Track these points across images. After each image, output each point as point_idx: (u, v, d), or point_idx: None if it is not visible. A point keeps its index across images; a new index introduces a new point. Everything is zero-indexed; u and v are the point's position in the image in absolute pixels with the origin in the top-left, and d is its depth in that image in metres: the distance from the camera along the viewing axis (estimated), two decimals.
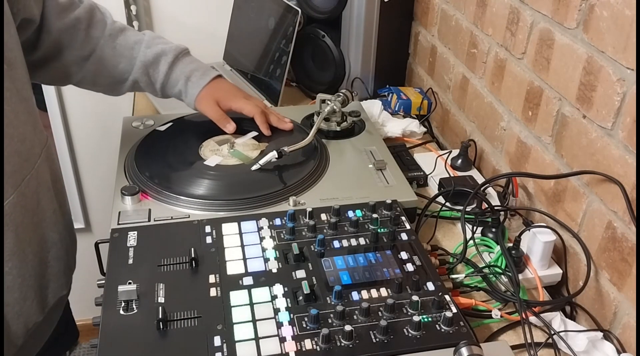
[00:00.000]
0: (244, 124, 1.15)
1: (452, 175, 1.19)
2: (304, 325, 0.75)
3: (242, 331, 0.73)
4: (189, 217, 0.94)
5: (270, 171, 1.04)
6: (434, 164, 1.22)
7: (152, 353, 0.71)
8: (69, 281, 1.06)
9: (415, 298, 0.77)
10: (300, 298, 0.79)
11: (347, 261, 0.86)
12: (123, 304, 0.77)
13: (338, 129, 1.19)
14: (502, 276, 0.94)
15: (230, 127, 1.12)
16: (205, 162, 1.06)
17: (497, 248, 0.97)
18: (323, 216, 0.94)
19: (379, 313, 0.77)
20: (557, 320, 0.87)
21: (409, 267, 0.85)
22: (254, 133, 1.15)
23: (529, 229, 0.96)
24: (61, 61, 1.04)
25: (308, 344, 0.72)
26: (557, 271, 0.97)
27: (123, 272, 0.82)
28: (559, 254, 1.00)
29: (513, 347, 0.79)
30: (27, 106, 0.89)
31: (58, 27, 1.01)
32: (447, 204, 1.09)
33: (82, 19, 1.04)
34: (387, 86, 1.55)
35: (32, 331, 0.95)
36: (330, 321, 0.75)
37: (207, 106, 1.12)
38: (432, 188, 1.20)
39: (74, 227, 1.10)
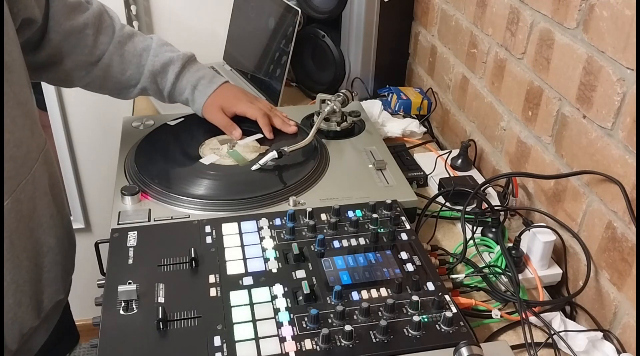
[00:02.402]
0: (249, 126, 1.15)
1: (452, 175, 1.19)
2: (304, 325, 0.75)
3: (242, 331, 0.73)
4: (189, 217, 0.94)
5: (270, 171, 1.04)
6: (434, 164, 1.22)
7: (152, 353, 0.71)
8: (66, 285, 1.05)
9: (415, 298, 0.77)
10: (300, 298, 0.79)
11: (347, 261, 0.86)
12: (123, 304, 0.77)
13: (338, 129, 1.19)
14: (502, 276, 0.94)
15: (237, 133, 1.13)
16: (200, 160, 1.06)
17: (497, 248, 0.97)
18: (323, 216, 0.94)
19: (379, 313, 0.77)
20: (557, 320, 0.87)
21: (409, 267, 0.85)
22: (259, 135, 1.15)
23: (529, 229, 0.96)
24: (67, 64, 1.04)
25: (308, 344, 0.72)
26: (557, 271, 0.97)
27: (123, 272, 0.82)
28: (559, 254, 1.00)
29: (513, 347, 0.79)
30: (25, 109, 0.88)
31: (64, 29, 1.01)
32: (447, 204, 1.09)
33: (90, 24, 1.04)
34: (387, 86, 1.55)
35: (28, 336, 0.94)
36: (330, 321, 0.75)
37: (213, 113, 1.14)
38: (432, 188, 1.20)
39: (74, 227, 1.10)
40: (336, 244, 0.89)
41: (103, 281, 0.82)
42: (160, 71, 1.11)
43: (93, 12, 1.05)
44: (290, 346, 0.72)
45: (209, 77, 1.14)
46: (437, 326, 0.75)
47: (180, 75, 1.12)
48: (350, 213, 0.95)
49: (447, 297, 0.79)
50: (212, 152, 1.09)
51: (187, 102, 1.15)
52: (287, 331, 0.74)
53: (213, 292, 0.79)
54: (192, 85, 1.13)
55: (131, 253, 0.86)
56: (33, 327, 0.95)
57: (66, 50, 1.03)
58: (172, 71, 1.11)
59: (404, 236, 0.91)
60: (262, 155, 1.06)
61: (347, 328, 0.72)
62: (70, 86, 1.11)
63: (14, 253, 0.87)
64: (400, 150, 1.28)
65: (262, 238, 0.90)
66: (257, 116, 1.14)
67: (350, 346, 0.72)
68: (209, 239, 0.89)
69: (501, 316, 0.88)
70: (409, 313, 0.77)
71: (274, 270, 0.84)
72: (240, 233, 0.91)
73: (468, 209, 1.05)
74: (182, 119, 1.20)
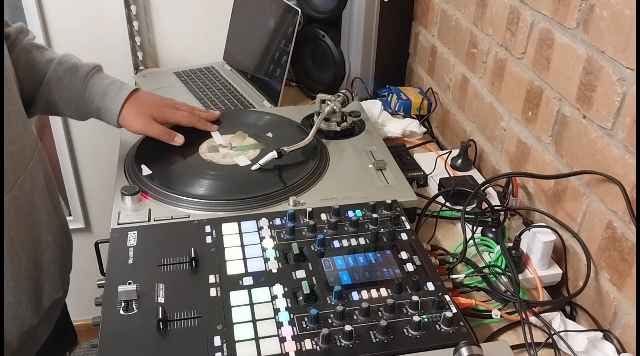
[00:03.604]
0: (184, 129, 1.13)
1: (452, 175, 1.19)
2: (304, 325, 0.75)
3: (242, 331, 0.73)
4: (189, 217, 0.94)
5: (270, 171, 1.04)
6: (434, 164, 1.22)
7: (152, 353, 0.71)
8: (65, 282, 1.05)
9: (415, 298, 0.77)
10: (300, 298, 0.79)
11: (347, 261, 0.86)
12: (123, 304, 0.77)
13: (338, 129, 1.19)
14: (502, 276, 0.94)
15: (179, 139, 1.08)
16: (240, 165, 1.06)
17: (497, 248, 0.97)
18: (323, 216, 0.94)
19: (379, 313, 0.77)
20: (557, 320, 0.87)
21: (409, 267, 0.85)
22: (216, 131, 1.15)
23: (529, 229, 0.96)
24: None
25: (308, 344, 0.72)
26: (557, 271, 0.97)
27: (123, 272, 0.82)
28: (559, 254, 1.00)
29: (513, 347, 0.79)
30: (18, 105, 0.89)
31: None
32: (447, 204, 1.09)
33: (10, 35, 1.00)
34: (387, 86, 1.55)
35: (28, 334, 0.94)
36: (330, 321, 0.75)
37: (143, 124, 1.05)
38: (432, 188, 1.20)
39: (74, 227, 1.10)
40: (336, 244, 0.89)
41: (103, 281, 0.82)
42: (62, 77, 1.02)
43: (13, 29, 1.01)
44: (290, 346, 0.72)
45: (118, 83, 1.06)
46: (437, 326, 0.75)
47: (87, 82, 1.03)
48: (350, 213, 0.95)
49: (447, 297, 0.79)
50: (229, 157, 1.08)
51: (99, 112, 1.05)
52: (287, 331, 0.74)
53: (213, 292, 0.79)
54: (101, 91, 1.03)
55: (131, 253, 0.86)
56: (33, 325, 0.95)
57: None
58: (76, 79, 1.03)
59: (404, 236, 0.91)
60: (260, 154, 1.06)
61: (347, 328, 0.72)
62: None
63: (13, 249, 0.87)
64: (400, 150, 1.28)
65: (262, 238, 0.90)
66: (192, 123, 1.11)
67: (350, 346, 0.72)
68: (209, 239, 0.89)
69: (501, 316, 0.88)
70: (409, 313, 0.77)
71: (274, 270, 0.84)
72: (240, 233, 0.91)
73: (468, 209, 1.05)
74: None
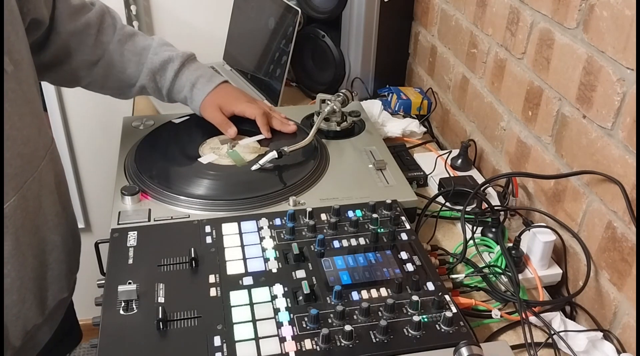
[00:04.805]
0: (250, 127, 1.14)
1: (452, 175, 1.19)
2: (304, 325, 0.75)
3: (242, 331, 0.73)
4: (189, 217, 0.94)
5: (270, 171, 1.04)
6: (434, 164, 1.22)
7: (152, 353, 0.71)
8: (70, 283, 1.05)
9: (415, 298, 0.77)
10: (300, 298, 0.79)
11: (347, 261, 0.86)
12: (123, 304, 0.77)
13: (338, 129, 1.19)
14: (502, 276, 0.94)
15: (232, 131, 1.13)
16: (199, 159, 1.06)
17: (497, 248, 0.97)
18: (323, 216, 0.94)
19: (379, 313, 0.77)
20: (557, 320, 0.87)
21: (409, 267, 0.85)
22: (260, 136, 1.14)
23: (529, 229, 0.96)
24: (70, 64, 1.05)
25: (308, 344, 0.72)
26: (557, 271, 0.97)
27: (123, 272, 0.82)
28: (559, 254, 1.00)
29: (513, 347, 0.79)
30: (33, 107, 0.89)
31: (68, 30, 1.02)
32: (447, 204, 1.09)
33: (92, 23, 1.05)
34: (387, 86, 1.55)
35: (31, 333, 0.95)
36: (330, 321, 0.75)
37: (210, 112, 1.14)
38: (432, 188, 1.20)
39: (79, 230, 1.10)
40: (336, 244, 0.89)
41: (103, 281, 0.82)
42: (159, 68, 1.11)
43: (96, 12, 1.06)
44: (290, 346, 0.72)
45: (207, 75, 1.14)
46: (437, 326, 0.75)
47: (179, 73, 1.12)
48: (350, 213, 0.95)
49: (447, 297, 0.79)
50: (212, 152, 1.09)
51: (186, 100, 1.15)
52: (287, 331, 0.74)
53: (213, 292, 0.79)
54: (190, 83, 1.12)
55: (131, 253, 0.86)
56: (37, 324, 0.95)
57: (69, 51, 1.04)
58: (170, 68, 1.11)
59: (404, 236, 0.91)
60: (261, 156, 1.06)
61: (347, 328, 0.72)
62: (73, 86, 1.12)
63: (19, 249, 0.87)
64: (400, 150, 1.28)
65: (262, 238, 0.90)
66: (255, 116, 1.14)
67: (350, 346, 0.72)
68: (209, 239, 0.89)
69: (501, 316, 0.88)
70: (409, 313, 0.77)
71: (274, 270, 0.84)
72: (240, 233, 0.91)
73: (468, 209, 1.05)
74: (188, 117, 1.20)
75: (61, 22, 1.01)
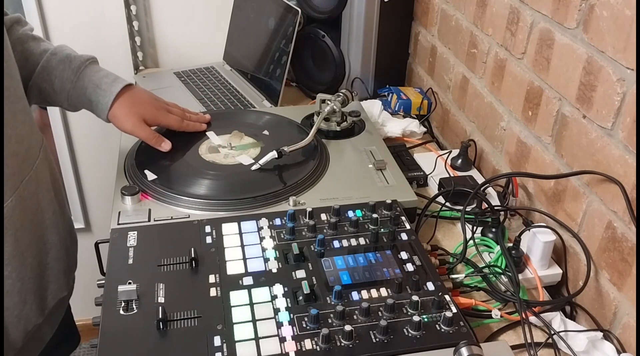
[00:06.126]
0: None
1: (452, 175, 1.19)
2: (304, 325, 0.75)
3: (242, 331, 0.74)
4: (189, 217, 0.94)
5: (270, 171, 1.04)
6: (434, 164, 1.22)
7: (152, 353, 0.71)
8: (69, 281, 1.05)
9: (415, 298, 0.77)
10: (300, 298, 0.79)
11: (347, 261, 0.86)
12: (123, 304, 0.77)
13: (338, 129, 1.19)
14: (502, 276, 0.94)
15: (167, 146, 1.07)
16: (244, 164, 1.06)
17: (497, 248, 0.97)
18: (323, 216, 0.94)
19: (379, 313, 0.77)
20: (557, 320, 0.87)
21: (409, 267, 0.85)
22: (211, 132, 1.15)
23: (529, 229, 0.96)
24: None
25: (308, 344, 0.72)
26: (557, 271, 0.97)
27: (123, 272, 0.82)
28: (559, 254, 1.00)
29: (513, 347, 0.79)
30: (24, 104, 0.88)
31: None
32: (447, 204, 1.09)
33: (6, 25, 0.98)
34: (387, 86, 1.55)
35: (32, 334, 0.95)
36: (330, 321, 0.75)
37: (132, 125, 1.03)
38: (432, 188, 1.20)
39: (74, 227, 1.10)
40: (336, 244, 0.89)
41: (103, 281, 0.82)
42: (55, 67, 1.00)
43: (9, 17, 1.01)
44: (290, 346, 0.72)
45: (112, 76, 1.04)
46: (437, 326, 0.75)
47: (80, 73, 1.01)
48: (350, 213, 0.95)
49: (447, 297, 0.79)
50: (231, 156, 1.08)
51: (90, 105, 1.03)
52: (287, 331, 0.74)
53: (213, 292, 0.79)
54: (93, 84, 1.01)
55: (131, 253, 0.86)
56: (37, 324, 0.95)
57: None
58: (69, 68, 1.01)
59: (404, 236, 0.91)
60: (262, 152, 1.06)
61: (347, 328, 0.72)
62: None
63: (19, 250, 0.87)
64: (400, 150, 1.28)
65: (262, 238, 0.90)
66: (182, 127, 1.11)
67: (350, 346, 0.72)
68: (209, 239, 0.89)
69: (501, 316, 0.88)
70: (409, 313, 0.77)
71: (274, 270, 0.84)
72: (240, 233, 0.91)
73: (468, 209, 1.05)
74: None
75: None
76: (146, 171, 1.03)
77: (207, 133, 1.15)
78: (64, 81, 1.01)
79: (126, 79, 1.05)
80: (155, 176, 1.02)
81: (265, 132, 1.15)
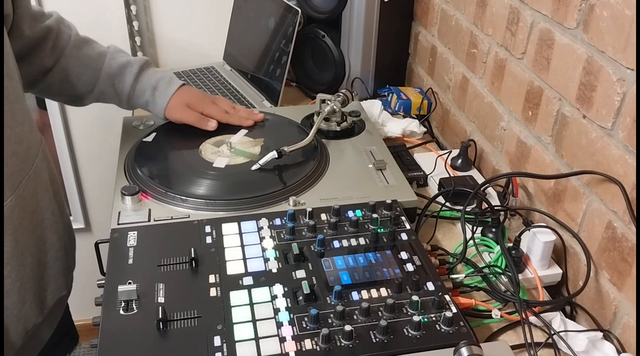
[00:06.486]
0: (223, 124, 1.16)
1: (452, 175, 1.19)
2: (304, 325, 0.75)
3: (242, 331, 0.73)
4: (189, 217, 0.94)
5: (270, 171, 1.04)
6: (434, 164, 1.22)
7: (152, 353, 0.71)
8: (68, 281, 1.05)
9: (415, 298, 0.77)
10: (300, 298, 0.79)
11: (347, 261, 0.86)
12: (123, 304, 0.77)
13: (338, 129, 1.19)
14: (502, 276, 0.94)
15: (213, 124, 1.14)
16: (214, 165, 1.05)
17: (497, 248, 0.97)
18: (323, 216, 0.94)
19: (379, 313, 0.77)
20: (557, 320, 0.87)
21: (409, 267, 0.85)
22: (245, 130, 1.16)
23: (529, 229, 0.96)
24: (24, 68, 0.99)
25: (308, 344, 0.72)
26: (557, 271, 0.97)
27: (123, 272, 0.82)
28: (559, 254, 1.00)
29: (513, 347, 0.79)
30: (23, 105, 0.88)
31: (29, 35, 1.00)
32: (447, 204, 1.09)
33: (52, 29, 1.04)
34: (387, 86, 1.55)
35: (32, 333, 0.95)
36: (330, 321, 0.75)
37: (180, 112, 1.14)
38: (432, 188, 1.20)
39: (74, 227, 1.10)
40: (336, 244, 0.89)
41: (103, 281, 0.81)
42: (117, 73, 1.10)
43: (54, 19, 1.06)
44: (290, 346, 0.72)
45: (167, 78, 1.14)
46: (437, 326, 0.75)
47: (139, 76, 1.12)
48: (350, 213, 0.95)
49: (447, 297, 0.79)
50: (218, 155, 1.08)
51: (147, 104, 1.14)
52: (287, 331, 0.74)
53: (213, 292, 0.79)
54: (151, 86, 1.12)
55: (131, 253, 0.86)
56: (37, 324, 0.95)
57: (25, 55, 1.02)
58: (129, 72, 1.11)
59: (404, 236, 0.91)
60: (264, 148, 1.06)
61: (347, 328, 0.72)
62: (26, 91, 1.06)
63: (18, 250, 0.87)
64: (400, 150, 1.28)
65: (262, 238, 0.90)
66: (226, 120, 1.16)
67: (350, 346, 0.72)
68: (209, 239, 0.89)
69: (501, 316, 0.88)
70: (409, 313, 0.77)
71: (274, 270, 0.84)
72: (240, 233, 0.91)
73: (468, 209, 1.05)
74: (155, 133, 1.16)
75: (22, 26, 0.98)
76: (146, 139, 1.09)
77: (241, 130, 1.16)
78: (125, 84, 1.11)
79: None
80: (155, 134, 1.12)
81: (285, 148, 1.06)
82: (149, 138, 1.14)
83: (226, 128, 1.16)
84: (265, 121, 1.20)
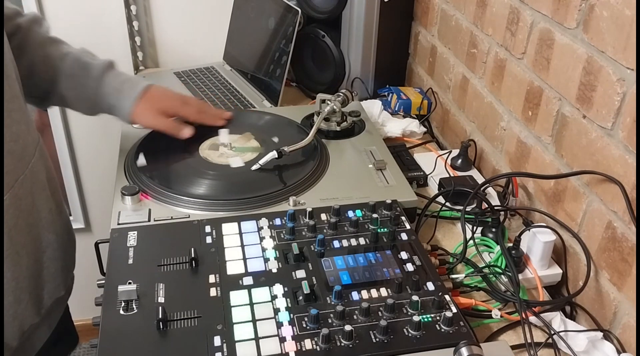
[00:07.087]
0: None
1: (452, 175, 1.19)
2: (304, 325, 0.75)
3: (242, 331, 0.74)
4: (189, 217, 0.94)
5: (270, 171, 1.04)
6: (434, 164, 1.22)
7: (152, 353, 0.71)
8: (67, 281, 1.05)
9: (415, 298, 0.77)
10: (300, 298, 0.79)
11: (347, 261, 0.86)
12: (123, 304, 0.77)
13: (338, 129, 1.19)
14: (502, 276, 0.94)
15: (188, 131, 1.09)
16: (232, 166, 1.05)
17: (497, 248, 0.97)
18: (323, 216, 0.94)
19: (379, 313, 0.77)
20: (557, 320, 0.87)
21: (409, 267, 0.85)
22: (225, 130, 1.15)
23: (529, 229, 0.96)
24: None
25: (308, 344, 0.72)
26: (557, 271, 0.97)
27: (123, 272, 0.82)
28: (559, 254, 1.00)
29: (513, 347, 0.79)
30: (20, 103, 0.88)
31: None
32: (447, 204, 1.09)
33: (21, 27, 1.00)
34: (387, 86, 1.55)
35: (29, 333, 0.94)
36: (330, 321, 0.75)
37: (152, 118, 1.07)
38: (432, 188, 1.20)
39: (74, 227, 1.10)
40: (336, 244, 0.89)
41: (103, 281, 0.82)
42: (78, 74, 1.03)
43: (27, 19, 1.02)
44: (290, 346, 0.72)
45: (132, 80, 1.07)
46: (437, 326, 0.75)
47: (101, 79, 1.04)
48: (350, 213, 0.95)
49: (447, 297, 0.79)
50: (225, 157, 1.08)
51: (112, 109, 1.06)
52: (287, 331, 0.74)
53: (213, 292, 0.79)
54: (116, 90, 1.04)
55: (131, 253, 0.86)
56: (34, 324, 0.95)
57: None
58: (91, 75, 1.03)
59: (404, 236, 0.91)
60: (260, 144, 1.06)
61: (347, 328, 0.72)
62: None
63: (13, 249, 0.87)
64: (400, 150, 1.28)
65: (262, 238, 0.90)
66: (201, 120, 1.12)
67: (350, 346, 0.72)
68: (209, 239, 0.89)
69: (501, 316, 0.88)
70: (409, 313, 0.77)
71: (274, 270, 0.84)
72: (240, 233, 0.91)
73: (468, 209, 1.05)
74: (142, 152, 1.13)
75: None
76: (140, 155, 1.05)
77: (220, 130, 1.15)
78: (87, 88, 1.03)
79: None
80: (145, 163, 1.03)
81: (275, 139, 1.13)
82: (142, 161, 1.07)
83: (211, 131, 1.14)
84: (260, 120, 1.20)
